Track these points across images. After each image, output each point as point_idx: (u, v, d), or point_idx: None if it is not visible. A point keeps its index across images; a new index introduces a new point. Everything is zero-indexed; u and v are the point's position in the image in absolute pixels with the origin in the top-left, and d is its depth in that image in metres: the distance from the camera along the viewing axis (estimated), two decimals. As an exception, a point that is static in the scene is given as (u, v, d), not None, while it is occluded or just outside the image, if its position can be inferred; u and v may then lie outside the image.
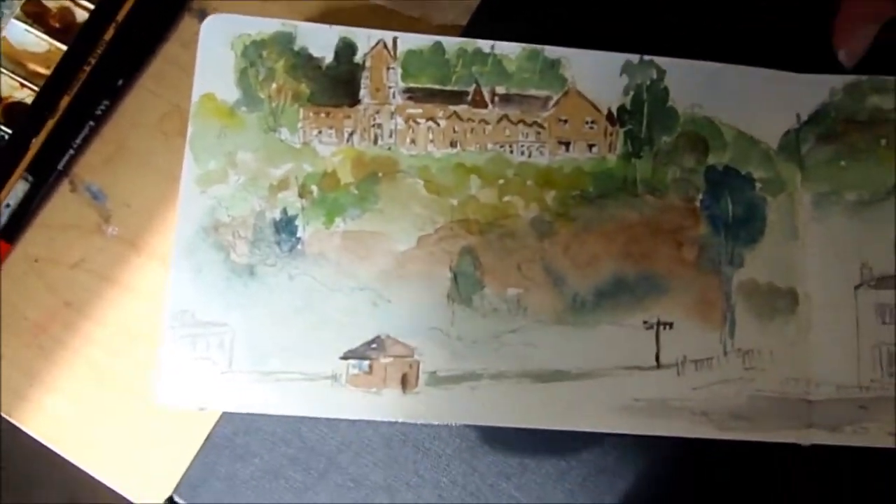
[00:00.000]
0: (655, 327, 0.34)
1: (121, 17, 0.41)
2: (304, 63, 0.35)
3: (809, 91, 0.36)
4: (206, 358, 0.32)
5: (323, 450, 0.36)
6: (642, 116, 0.35)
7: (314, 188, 0.34)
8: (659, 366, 0.33)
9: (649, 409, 0.33)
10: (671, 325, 0.34)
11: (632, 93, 0.35)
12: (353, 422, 0.36)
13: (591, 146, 0.35)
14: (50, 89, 0.41)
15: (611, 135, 0.35)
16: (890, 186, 0.35)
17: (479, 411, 0.32)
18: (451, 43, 0.35)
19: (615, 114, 0.35)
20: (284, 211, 0.34)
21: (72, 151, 0.41)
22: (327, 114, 0.35)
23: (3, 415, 0.39)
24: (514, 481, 0.35)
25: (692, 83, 0.35)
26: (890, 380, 0.34)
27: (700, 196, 0.35)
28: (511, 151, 0.35)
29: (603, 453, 0.35)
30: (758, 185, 0.35)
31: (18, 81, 0.41)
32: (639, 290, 0.34)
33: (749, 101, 0.35)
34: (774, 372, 0.33)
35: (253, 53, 0.35)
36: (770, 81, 0.35)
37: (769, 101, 0.36)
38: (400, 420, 0.33)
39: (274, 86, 0.35)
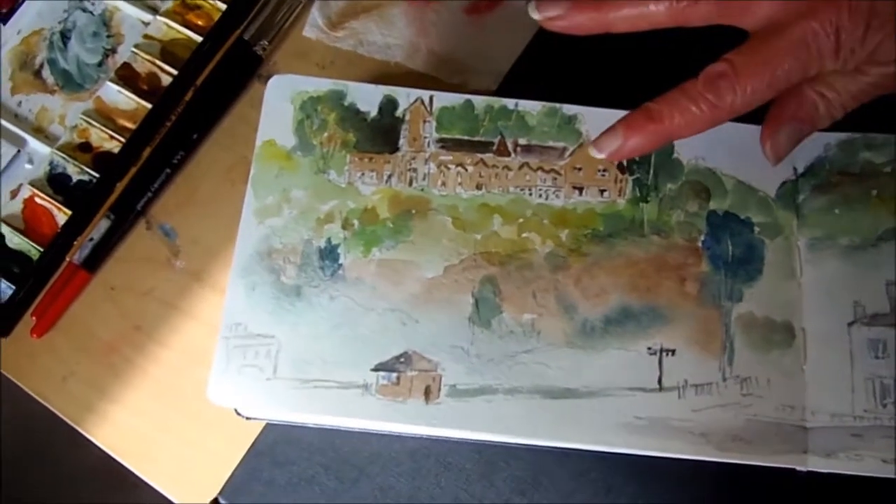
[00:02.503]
0: (659, 353, 0.37)
1: (200, 81, 0.48)
2: (352, 116, 0.40)
3: (805, 146, 0.39)
4: (253, 365, 0.36)
5: (354, 460, 0.39)
6: (650, 166, 0.39)
7: (355, 222, 0.38)
8: (661, 388, 0.36)
9: (651, 428, 0.35)
10: (673, 351, 0.36)
11: (640, 146, 0.39)
12: (382, 435, 0.39)
13: (602, 191, 0.39)
14: (134, 141, 0.46)
15: (620, 181, 0.39)
16: (880, 233, 0.38)
17: (494, 423, 0.35)
18: (480, 101, 0.40)
19: (625, 164, 0.39)
20: (329, 241, 0.38)
21: (149, 194, 0.46)
22: (370, 159, 0.40)
23: (73, 424, 0.43)
24: (527, 496, 0.38)
25: (696, 138, 0.38)
26: (883, 410, 0.36)
27: (702, 237, 0.38)
28: (530, 194, 0.39)
29: (611, 474, 0.38)
30: (756, 228, 0.38)
31: (108, 134, 0.47)
32: (644, 320, 0.37)
33: (748, 155, 0.39)
34: (771, 399, 0.36)
35: (309, 107, 0.40)
36: (768, 138, 0.39)
37: (767, 155, 0.39)
38: (423, 429, 0.36)
39: (325, 135, 0.40)
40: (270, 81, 0.40)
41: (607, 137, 0.35)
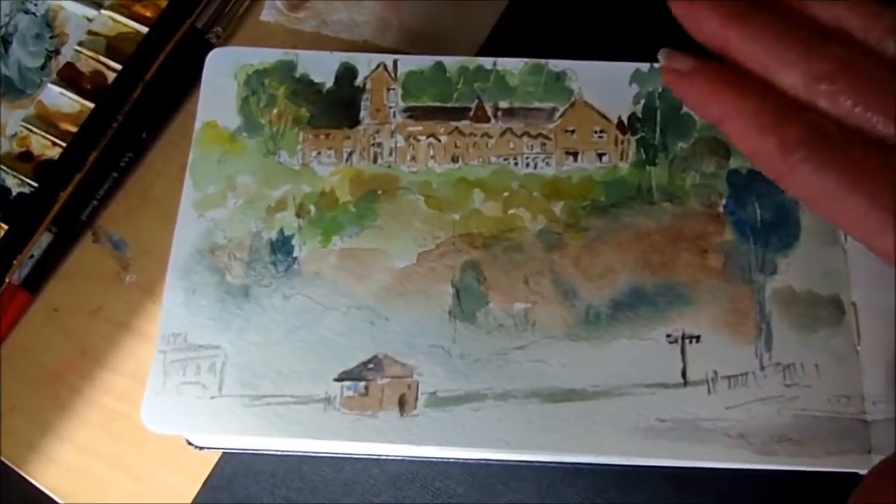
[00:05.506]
0: (680, 341, 0.30)
1: (148, 76, 0.43)
2: (304, 88, 0.35)
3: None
4: (195, 382, 0.30)
5: (325, 491, 0.33)
6: (655, 124, 0.33)
7: (311, 207, 0.33)
8: (686, 383, 0.30)
9: (677, 431, 0.29)
10: (698, 338, 0.30)
11: (643, 101, 0.34)
12: (358, 460, 0.33)
13: (600, 155, 0.33)
14: (76, 145, 0.42)
15: (622, 143, 0.33)
16: (939, 183, 0.31)
17: (485, 435, 0.29)
18: (452, 62, 0.35)
19: (626, 122, 0.33)
20: (281, 231, 0.33)
21: (95, 202, 0.42)
22: (327, 135, 0.34)
23: (12, 465, 0.38)
24: (533, 523, 0.32)
25: (707, 88, 0.33)
26: (961, 395, 0.29)
27: (723, 201, 0.32)
28: (516, 164, 0.33)
29: (631, 491, 0.31)
30: (788, 188, 0.32)
31: (50, 140, 0.42)
32: (660, 302, 0.31)
33: (771, 104, 0.33)
34: (822, 388, 0.29)
35: (255, 82, 0.35)
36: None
37: (793, 103, 0.33)
38: (400, 447, 0.30)
39: (275, 111, 0.34)
40: (210, 55, 0.35)
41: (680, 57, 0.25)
